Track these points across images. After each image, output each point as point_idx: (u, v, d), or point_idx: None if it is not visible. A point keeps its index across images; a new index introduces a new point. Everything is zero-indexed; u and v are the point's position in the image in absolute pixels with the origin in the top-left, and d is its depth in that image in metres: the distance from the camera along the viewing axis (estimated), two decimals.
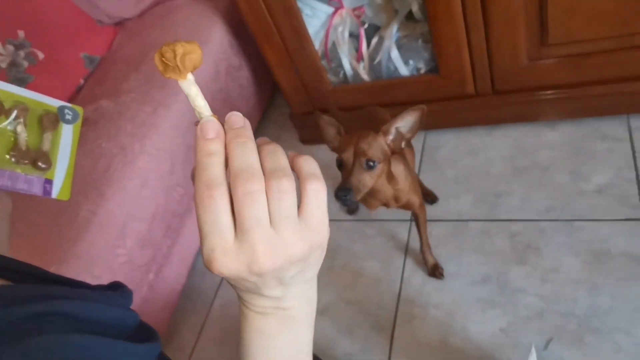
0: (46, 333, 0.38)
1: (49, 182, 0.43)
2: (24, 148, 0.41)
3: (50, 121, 0.43)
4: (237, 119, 0.40)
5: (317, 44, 1.71)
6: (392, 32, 1.62)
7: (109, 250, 1.34)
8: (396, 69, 1.66)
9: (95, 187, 1.41)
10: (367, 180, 1.07)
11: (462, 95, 1.63)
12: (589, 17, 1.33)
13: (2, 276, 0.47)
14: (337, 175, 1.09)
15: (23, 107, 0.41)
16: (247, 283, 0.39)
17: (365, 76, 1.72)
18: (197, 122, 0.40)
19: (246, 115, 0.41)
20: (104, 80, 1.83)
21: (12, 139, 0.40)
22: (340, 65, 1.75)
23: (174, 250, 1.56)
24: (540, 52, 1.46)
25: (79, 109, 0.46)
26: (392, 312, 1.44)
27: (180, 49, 0.37)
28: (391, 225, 1.64)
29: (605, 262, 1.33)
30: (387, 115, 1.33)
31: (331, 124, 1.16)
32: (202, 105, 0.40)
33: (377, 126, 1.10)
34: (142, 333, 0.49)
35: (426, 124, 1.64)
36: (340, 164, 1.08)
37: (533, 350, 1.12)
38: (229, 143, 0.38)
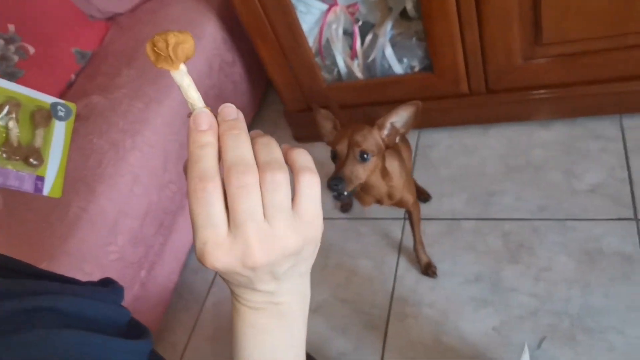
0: (37, 328, 0.38)
1: (40, 179, 0.43)
2: (15, 144, 0.40)
3: (43, 117, 0.43)
4: (230, 110, 0.39)
5: (311, 40, 1.70)
6: (386, 30, 1.62)
7: (100, 248, 1.33)
8: (390, 67, 1.65)
9: (86, 184, 1.39)
10: (360, 172, 1.07)
11: (456, 94, 1.63)
12: (582, 17, 1.33)
13: None
14: (332, 171, 1.09)
15: (15, 103, 0.40)
16: (240, 277, 0.38)
17: (359, 74, 1.72)
18: (189, 114, 0.39)
19: None
20: (95, 76, 1.81)
21: (4, 134, 0.40)
22: (335, 63, 1.74)
23: (166, 248, 1.55)
24: (534, 52, 1.46)
25: (72, 106, 0.45)
26: (386, 310, 1.44)
27: (172, 38, 0.36)
28: (385, 223, 1.63)
29: (598, 261, 1.33)
30: None
31: (328, 118, 1.17)
32: (194, 96, 0.39)
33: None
34: (134, 330, 0.49)
35: (420, 123, 1.64)
36: (335, 156, 1.09)
37: (526, 348, 1.12)
38: (222, 135, 0.38)
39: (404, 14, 1.64)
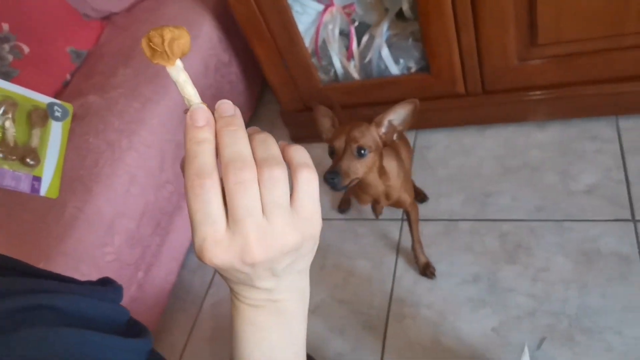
0: (36, 326, 0.37)
1: (37, 179, 0.42)
2: (12, 144, 0.40)
3: (39, 117, 0.42)
4: (227, 107, 0.39)
5: (307, 41, 1.70)
6: (383, 30, 1.62)
7: (97, 248, 1.32)
8: (387, 67, 1.65)
9: (82, 184, 1.38)
10: (357, 167, 1.08)
11: (453, 95, 1.63)
12: (578, 18, 1.34)
13: None
14: None
15: (12, 102, 0.40)
16: (239, 274, 0.38)
17: (355, 75, 1.72)
18: (186, 110, 0.39)
19: None
20: (91, 76, 1.80)
21: (0, 134, 0.39)
22: (331, 63, 1.74)
23: (163, 249, 1.54)
24: (530, 52, 1.46)
25: (69, 106, 0.45)
26: (384, 311, 1.44)
27: (168, 34, 0.36)
28: (383, 224, 1.63)
29: (596, 262, 1.33)
30: None
31: (326, 115, 1.18)
32: (191, 92, 0.39)
33: None
34: (133, 329, 0.48)
35: (417, 124, 1.65)
36: (332, 152, 1.10)
37: (526, 349, 1.12)
38: (220, 131, 0.38)
39: (400, 14, 1.64)
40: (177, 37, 0.37)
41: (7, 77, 1.69)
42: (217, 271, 0.38)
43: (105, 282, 0.53)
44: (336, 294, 1.53)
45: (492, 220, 1.51)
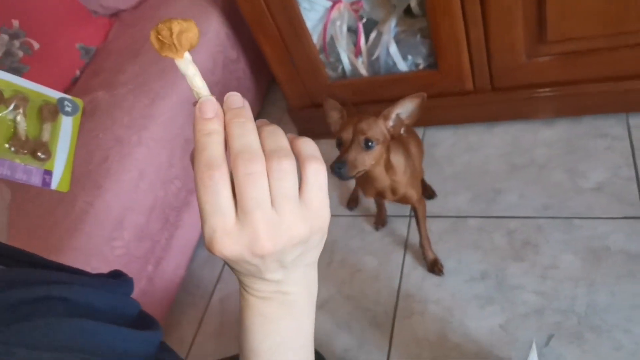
0: (47, 316, 0.38)
1: (48, 173, 0.43)
2: (23, 138, 0.40)
3: (50, 112, 0.43)
4: (236, 99, 0.39)
5: (315, 37, 1.70)
6: (391, 27, 1.62)
7: (106, 243, 1.33)
8: (395, 64, 1.65)
9: (92, 179, 1.39)
10: (364, 159, 1.09)
11: (461, 92, 1.63)
12: (587, 15, 1.33)
13: (2, 263, 0.46)
14: None
15: (23, 97, 0.40)
16: (248, 265, 0.38)
17: (363, 71, 1.71)
18: (195, 102, 0.39)
19: None
20: (99, 72, 1.81)
21: (12, 128, 0.40)
22: (339, 60, 1.74)
23: (172, 243, 1.55)
24: (538, 50, 1.45)
25: (79, 102, 0.45)
26: (391, 307, 1.44)
27: (176, 26, 0.36)
28: (390, 220, 1.63)
29: (604, 259, 1.32)
30: None
31: (335, 108, 1.19)
32: (200, 85, 0.39)
33: None
34: (143, 321, 0.49)
35: (424, 121, 1.64)
36: (340, 143, 1.10)
37: (534, 346, 1.11)
38: (229, 123, 0.38)
39: (408, 11, 1.64)
40: (186, 30, 0.37)
41: (18, 72, 1.71)
42: (226, 263, 0.38)
43: (117, 275, 0.54)
44: (343, 290, 1.53)
45: (499, 218, 1.51)
